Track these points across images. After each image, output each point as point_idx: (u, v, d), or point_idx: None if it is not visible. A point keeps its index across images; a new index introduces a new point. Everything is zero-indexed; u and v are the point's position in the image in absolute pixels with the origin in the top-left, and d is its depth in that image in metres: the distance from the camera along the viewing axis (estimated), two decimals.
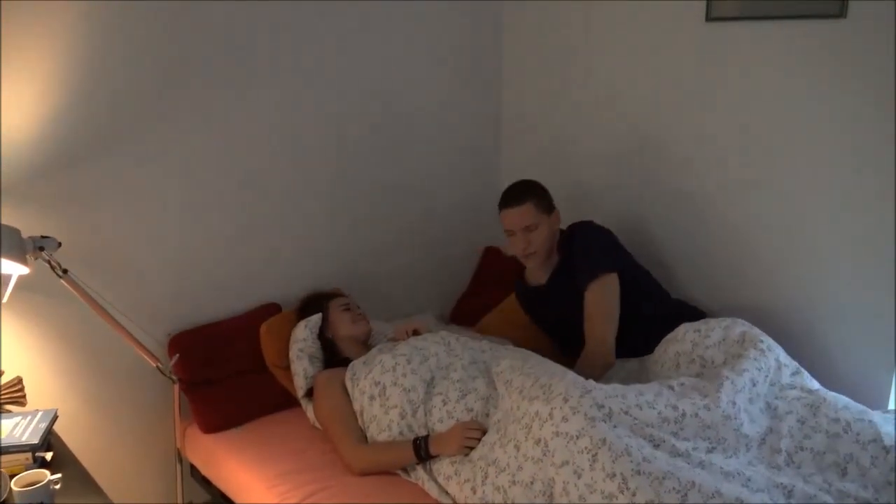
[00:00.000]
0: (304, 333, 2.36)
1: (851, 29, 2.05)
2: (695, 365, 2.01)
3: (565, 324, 2.37)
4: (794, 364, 2.01)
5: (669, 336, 2.14)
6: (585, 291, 2.24)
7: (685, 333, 2.08)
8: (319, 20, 2.50)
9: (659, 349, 2.15)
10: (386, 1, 2.64)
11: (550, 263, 2.38)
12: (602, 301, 2.23)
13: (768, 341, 2.00)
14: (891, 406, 2.14)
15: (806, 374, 2.00)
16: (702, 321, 2.12)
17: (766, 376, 1.91)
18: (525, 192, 2.28)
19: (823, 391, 1.94)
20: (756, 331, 2.03)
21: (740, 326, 2.05)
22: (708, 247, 2.52)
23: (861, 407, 1.86)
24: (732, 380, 1.84)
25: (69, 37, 2.04)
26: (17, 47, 1.96)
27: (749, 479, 1.64)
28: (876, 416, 1.83)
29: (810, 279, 2.27)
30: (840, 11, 2.05)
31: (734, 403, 1.79)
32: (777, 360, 1.96)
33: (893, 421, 1.84)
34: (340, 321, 2.37)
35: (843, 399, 1.90)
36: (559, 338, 2.50)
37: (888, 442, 1.75)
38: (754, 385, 1.87)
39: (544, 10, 2.85)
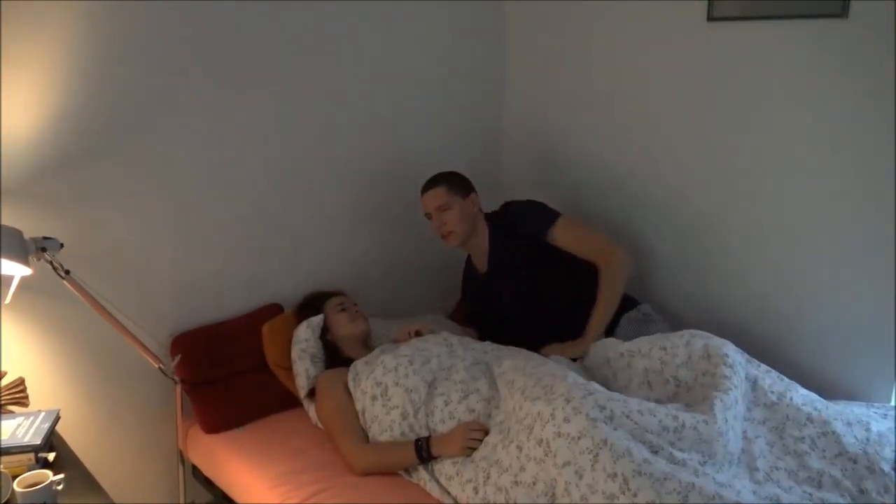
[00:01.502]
0: (307, 334, 2.36)
1: (853, 29, 2.04)
2: (669, 385, 1.99)
3: (504, 315, 2.46)
4: (753, 372, 1.98)
5: (630, 347, 2.09)
6: (550, 236, 2.35)
7: (651, 349, 2.04)
8: (320, 20, 2.50)
9: (619, 360, 2.09)
10: (387, 0, 2.64)
11: (483, 250, 2.50)
12: (579, 225, 2.40)
13: (732, 354, 1.97)
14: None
15: (765, 379, 1.97)
16: (662, 336, 2.08)
17: (739, 390, 1.91)
18: (437, 178, 2.47)
19: (786, 400, 1.92)
20: (716, 342, 2.00)
21: (700, 339, 2.02)
22: (708, 249, 2.51)
23: (824, 416, 1.88)
24: (721, 398, 1.84)
25: (70, 37, 2.04)
26: (17, 47, 1.96)
27: (739, 492, 1.65)
28: (838, 424, 1.85)
29: (810, 280, 2.27)
30: (842, 11, 2.04)
31: (726, 420, 1.80)
32: (738, 374, 1.94)
33: (859, 422, 1.87)
34: (338, 321, 2.37)
35: (807, 408, 1.90)
36: (497, 331, 2.49)
37: (853, 451, 1.80)
38: (737, 403, 1.87)
39: (545, 11, 2.85)
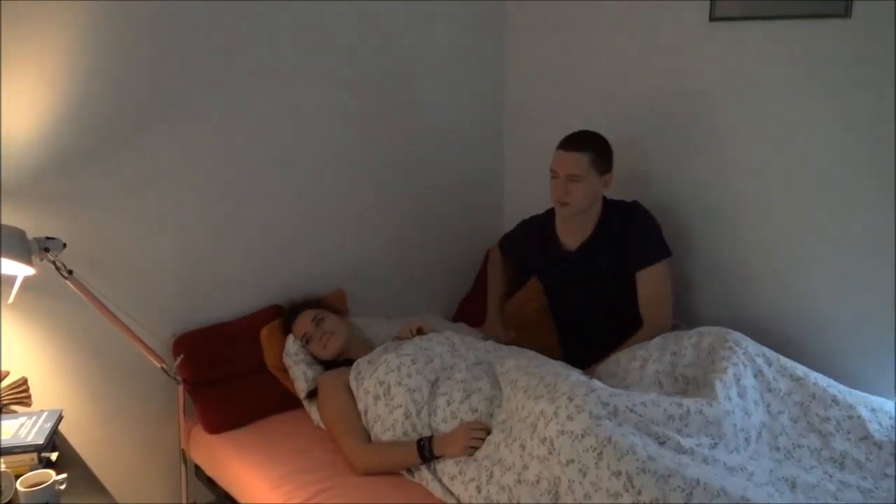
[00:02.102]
0: (295, 347, 2.37)
1: (856, 28, 2.04)
2: (679, 383, 2.01)
3: (575, 295, 2.39)
4: (770, 353, 1.99)
5: (643, 354, 2.08)
6: (643, 272, 2.29)
7: (662, 355, 2.05)
8: (321, 19, 2.50)
9: (631, 364, 2.08)
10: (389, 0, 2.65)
11: (583, 229, 2.35)
12: (666, 283, 2.31)
13: (734, 336, 1.98)
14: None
15: (785, 361, 1.98)
16: (672, 338, 2.08)
17: (745, 366, 1.92)
18: (585, 142, 2.25)
19: (812, 379, 1.94)
20: (721, 333, 2.01)
21: (707, 337, 2.03)
22: (710, 248, 2.51)
23: (849, 400, 1.89)
24: (720, 378, 1.86)
25: (72, 37, 2.04)
26: (19, 48, 1.96)
27: (752, 474, 1.65)
28: (863, 409, 1.87)
29: (811, 278, 2.27)
30: (845, 11, 2.04)
31: (730, 399, 1.81)
32: (746, 351, 1.95)
33: (883, 409, 1.89)
34: (312, 351, 2.34)
35: (832, 389, 1.92)
36: (559, 309, 2.49)
37: (879, 437, 1.81)
38: (738, 380, 1.88)
39: (546, 11, 2.85)
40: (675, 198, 2.58)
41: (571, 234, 2.39)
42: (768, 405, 1.89)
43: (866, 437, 1.82)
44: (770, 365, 1.96)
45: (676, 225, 2.58)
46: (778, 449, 1.79)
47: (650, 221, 2.35)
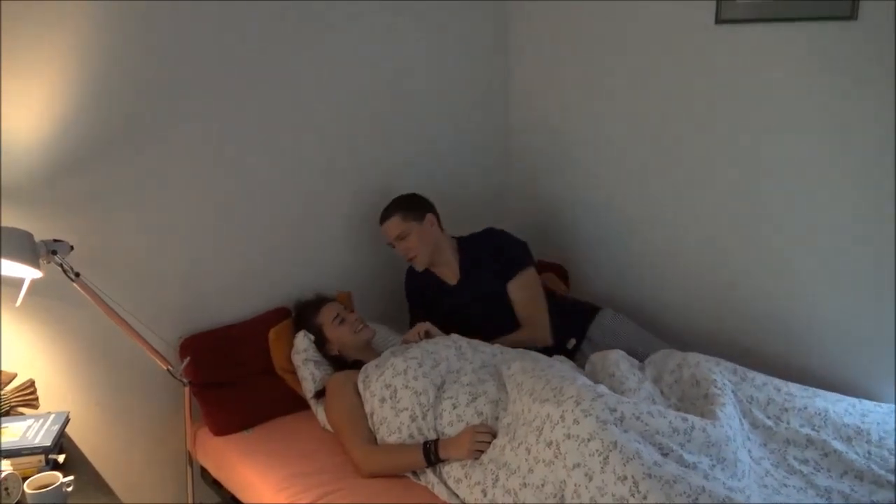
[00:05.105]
0: (305, 344, 2.37)
1: (862, 30, 2.04)
2: (670, 404, 2.00)
3: (467, 323, 2.48)
4: (749, 391, 1.98)
5: (640, 374, 2.08)
6: (511, 282, 2.48)
7: (644, 383, 2.05)
8: (326, 25, 2.51)
9: (632, 371, 2.08)
10: (390, 1, 2.65)
11: (451, 266, 2.57)
12: (532, 287, 2.51)
13: (720, 379, 1.97)
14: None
15: (759, 398, 1.97)
16: (648, 365, 2.11)
17: (737, 412, 1.92)
18: (390, 208, 2.52)
19: (784, 423, 1.92)
20: (703, 370, 2.00)
21: (686, 370, 2.04)
22: (710, 248, 2.51)
23: (823, 436, 1.88)
24: (721, 409, 1.84)
25: (80, 39, 2.05)
26: (24, 49, 1.97)
27: (749, 497, 1.64)
28: (837, 443, 1.86)
29: (811, 280, 2.27)
30: (851, 13, 2.04)
31: (731, 426, 1.80)
32: (731, 399, 1.94)
33: (859, 434, 1.88)
34: (342, 335, 2.35)
35: (805, 426, 1.90)
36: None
37: (859, 466, 1.80)
38: (733, 418, 1.87)
39: (551, 13, 2.85)
40: (678, 196, 2.58)
41: (447, 275, 2.59)
42: (749, 451, 1.87)
43: (847, 471, 1.81)
44: (745, 416, 1.95)
45: (673, 219, 2.60)
46: (766, 486, 1.78)
47: (509, 238, 2.58)
